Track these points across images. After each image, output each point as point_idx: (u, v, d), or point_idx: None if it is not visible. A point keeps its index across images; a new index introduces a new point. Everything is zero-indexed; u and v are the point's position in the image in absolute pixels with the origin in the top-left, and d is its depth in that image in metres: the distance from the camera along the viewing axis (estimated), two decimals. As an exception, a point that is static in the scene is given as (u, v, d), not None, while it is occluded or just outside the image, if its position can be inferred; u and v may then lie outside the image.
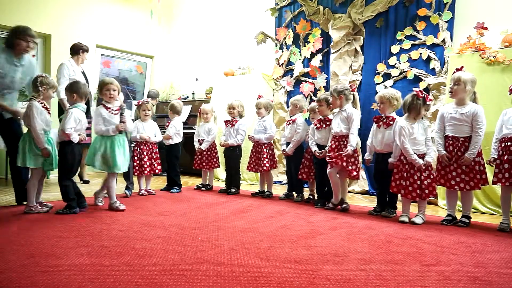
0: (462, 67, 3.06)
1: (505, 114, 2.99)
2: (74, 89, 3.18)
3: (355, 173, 3.43)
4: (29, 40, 3.39)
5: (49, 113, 3.24)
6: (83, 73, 4.89)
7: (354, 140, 3.42)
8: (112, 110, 3.32)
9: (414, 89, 3.15)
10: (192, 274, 1.80)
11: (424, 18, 4.33)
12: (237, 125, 4.40)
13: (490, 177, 3.04)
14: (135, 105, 4.61)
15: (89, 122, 5.00)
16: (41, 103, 3.15)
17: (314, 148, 3.75)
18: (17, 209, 3.24)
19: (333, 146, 3.51)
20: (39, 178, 3.23)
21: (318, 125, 3.77)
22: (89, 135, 4.98)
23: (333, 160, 3.43)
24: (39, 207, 3.19)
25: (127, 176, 4.09)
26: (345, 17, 4.92)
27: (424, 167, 3.03)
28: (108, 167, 3.31)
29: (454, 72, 3.06)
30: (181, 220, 2.94)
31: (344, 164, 3.38)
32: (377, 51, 4.72)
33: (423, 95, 3.08)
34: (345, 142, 3.45)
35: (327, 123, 3.71)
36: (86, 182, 5.11)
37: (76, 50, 4.76)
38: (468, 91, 2.97)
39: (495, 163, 2.97)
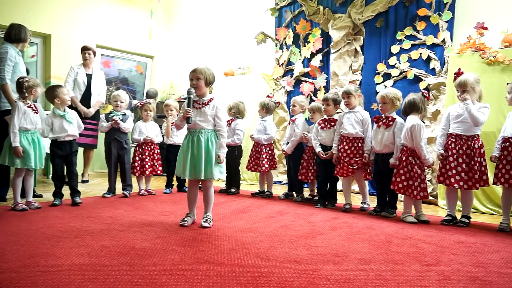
0: (459, 69, 3.07)
1: (509, 116, 3.00)
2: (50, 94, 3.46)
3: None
4: (29, 38, 3.83)
5: (36, 112, 3.30)
6: (89, 75, 4.91)
7: (370, 144, 3.46)
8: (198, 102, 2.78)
9: (422, 90, 3.19)
10: (192, 274, 1.80)
11: (424, 18, 4.33)
12: (233, 124, 4.39)
13: (490, 177, 3.04)
14: (137, 105, 4.60)
15: (96, 125, 5.01)
16: (27, 103, 3.25)
17: (318, 149, 3.74)
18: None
19: (346, 148, 3.51)
20: (27, 177, 3.34)
21: (323, 125, 3.76)
22: (95, 136, 5.00)
23: (356, 165, 3.47)
24: (24, 205, 3.23)
25: (123, 177, 4.09)
26: (345, 17, 4.92)
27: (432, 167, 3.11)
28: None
29: (455, 77, 3.06)
30: (181, 220, 2.94)
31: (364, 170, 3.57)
32: (377, 51, 4.72)
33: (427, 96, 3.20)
34: (359, 144, 3.49)
35: (332, 123, 3.71)
36: (85, 181, 5.11)
37: (81, 50, 4.96)
38: (478, 91, 2.99)
39: (495, 163, 2.98)
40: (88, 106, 4.90)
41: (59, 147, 3.47)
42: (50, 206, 3.38)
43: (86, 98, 4.90)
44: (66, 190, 3.58)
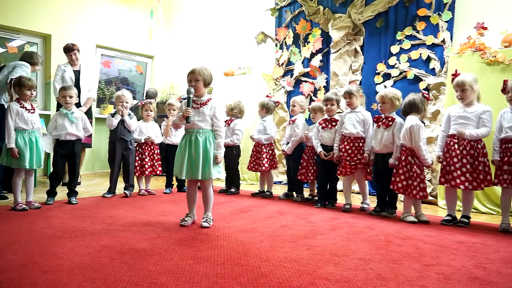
0: (456, 70, 3.08)
1: (503, 114, 2.98)
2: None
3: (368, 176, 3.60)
4: (40, 62, 4.37)
5: (31, 112, 3.29)
6: (77, 72, 4.81)
7: (370, 144, 3.46)
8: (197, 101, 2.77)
9: (422, 90, 3.20)
10: (192, 274, 1.80)
11: (424, 18, 4.33)
12: (232, 124, 4.39)
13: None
14: (138, 105, 4.60)
15: (89, 123, 4.96)
16: (20, 104, 3.24)
17: (319, 149, 3.73)
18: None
19: (347, 147, 3.51)
20: (27, 177, 3.34)
21: (324, 125, 3.76)
22: (89, 136, 4.96)
23: (356, 165, 3.48)
24: (24, 205, 3.23)
25: (126, 177, 4.08)
26: (345, 17, 4.92)
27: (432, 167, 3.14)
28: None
29: (453, 78, 3.07)
30: (181, 220, 2.94)
31: (365, 170, 3.56)
32: (377, 51, 4.72)
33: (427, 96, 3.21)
34: (360, 144, 3.49)
35: (333, 123, 3.71)
36: (77, 184, 4.95)
37: (64, 51, 4.85)
38: (476, 90, 2.99)
39: (496, 164, 2.97)
40: (79, 104, 4.67)
41: (61, 145, 3.50)
42: (44, 204, 3.41)
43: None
44: (62, 191, 3.59)
